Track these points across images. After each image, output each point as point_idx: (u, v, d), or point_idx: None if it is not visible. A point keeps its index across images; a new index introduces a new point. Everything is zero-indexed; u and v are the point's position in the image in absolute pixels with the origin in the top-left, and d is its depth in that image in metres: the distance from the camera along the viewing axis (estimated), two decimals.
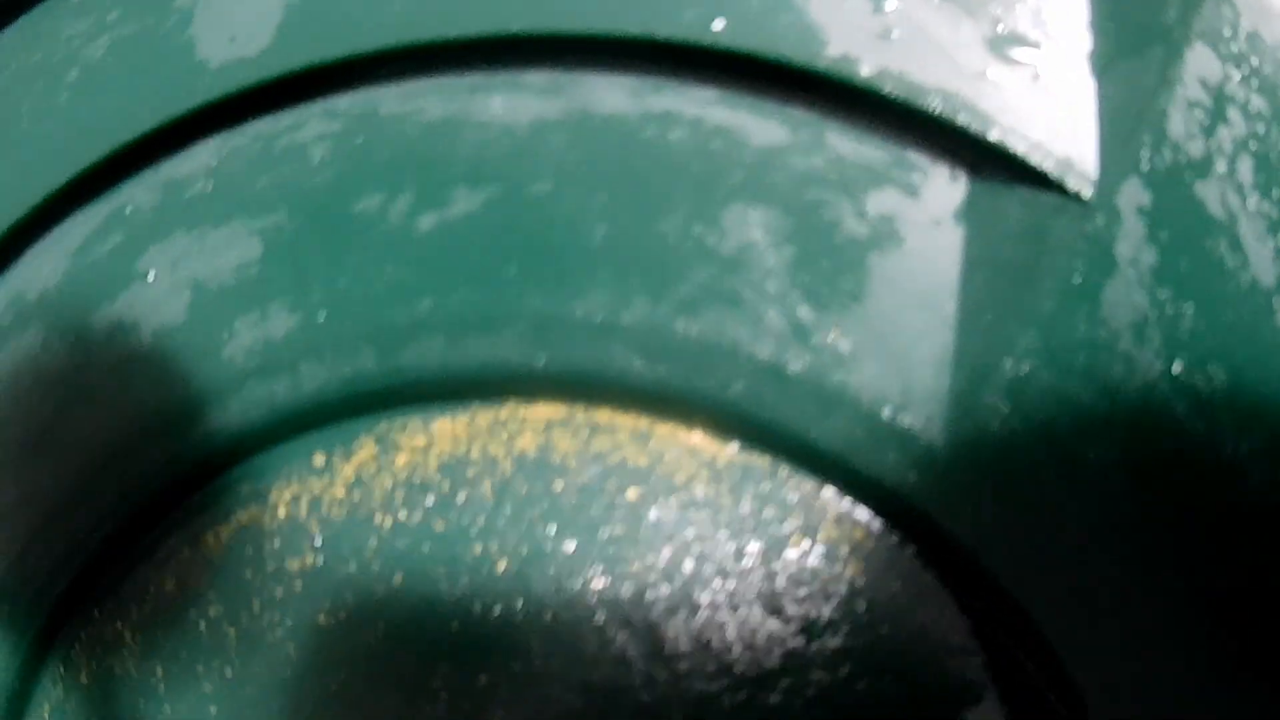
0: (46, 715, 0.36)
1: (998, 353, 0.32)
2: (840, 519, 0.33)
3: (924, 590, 0.33)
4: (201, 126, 0.34)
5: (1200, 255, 0.31)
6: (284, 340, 0.33)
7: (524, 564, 0.33)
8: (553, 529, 0.33)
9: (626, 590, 0.33)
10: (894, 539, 0.33)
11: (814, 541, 0.33)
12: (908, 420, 0.32)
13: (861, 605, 0.33)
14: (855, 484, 0.33)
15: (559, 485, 0.33)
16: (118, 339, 0.34)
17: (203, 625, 0.34)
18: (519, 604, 0.33)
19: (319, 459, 0.35)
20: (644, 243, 0.32)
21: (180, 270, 0.34)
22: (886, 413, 0.32)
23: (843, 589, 0.33)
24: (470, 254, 0.33)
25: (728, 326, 0.32)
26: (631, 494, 0.33)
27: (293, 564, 0.34)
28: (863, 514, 0.33)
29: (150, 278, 0.34)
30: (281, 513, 0.34)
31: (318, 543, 0.34)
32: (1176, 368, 0.31)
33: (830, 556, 0.33)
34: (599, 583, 0.33)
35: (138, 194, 0.34)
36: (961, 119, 0.32)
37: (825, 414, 0.32)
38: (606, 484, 0.33)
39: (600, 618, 0.33)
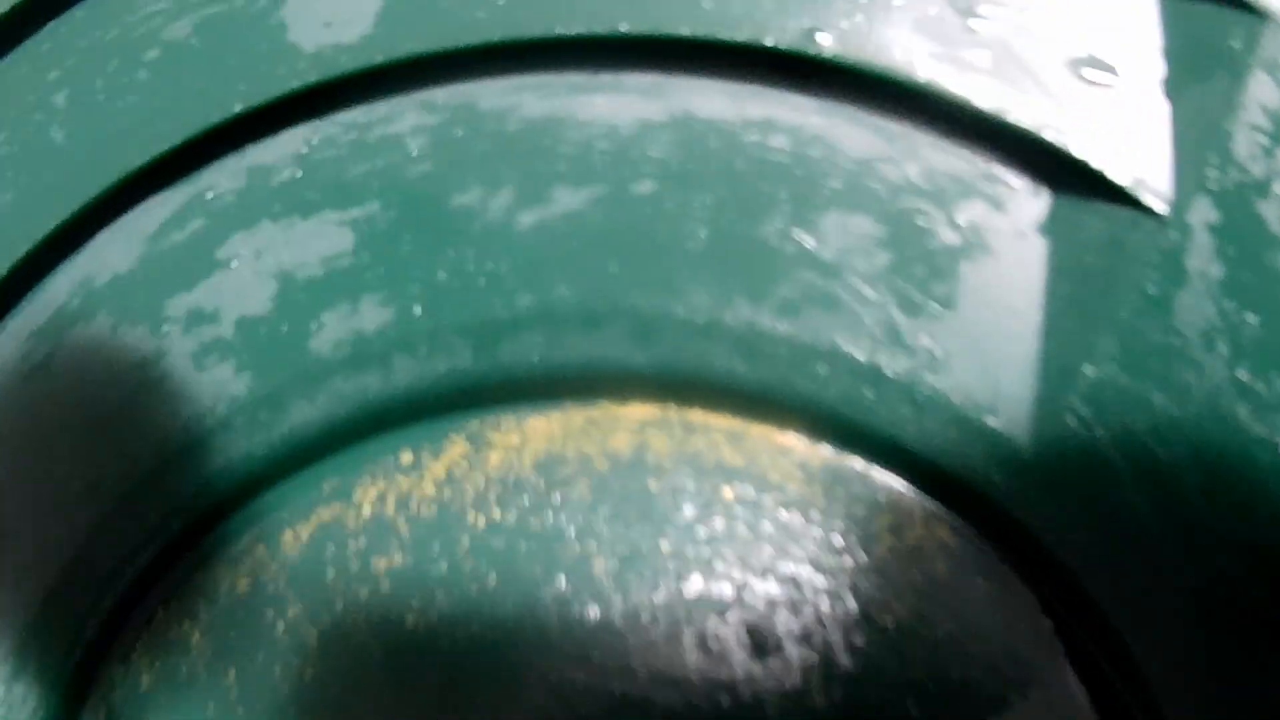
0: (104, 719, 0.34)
1: (1079, 357, 0.33)
2: (927, 518, 0.34)
3: (1006, 587, 0.34)
4: (291, 113, 0.33)
5: (1262, 269, 0.33)
6: (376, 334, 0.32)
7: (623, 563, 0.33)
8: (649, 528, 0.33)
9: (724, 588, 0.33)
10: (977, 537, 0.34)
11: (903, 540, 0.34)
12: (994, 421, 0.33)
13: (948, 601, 0.34)
14: (942, 484, 0.34)
15: (654, 485, 0.33)
16: (195, 328, 0.33)
17: (281, 626, 0.33)
18: (617, 603, 0.33)
19: (407, 456, 0.34)
20: (745, 245, 0.33)
21: (265, 259, 0.33)
22: (975, 414, 0.33)
23: (930, 585, 0.34)
24: (572, 251, 0.33)
25: (826, 329, 0.33)
26: (727, 493, 0.34)
27: (379, 563, 0.33)
28: (947, 513, 0.34)
29: (233, 266, 0.33)
30: (367, 511, 0.33)
31: (406, 542, 0.33)
32: (1241, 374, 0.33)
33: (918, 554, 0.34)
34: (696, 581, 0.33)
35: (220, 179, 0.33)
36: (1046, 136, 0.33)
37: (917, 416, 0.33)
38: (702, 483, 0.34)
39: (698, 615, 0.33)
